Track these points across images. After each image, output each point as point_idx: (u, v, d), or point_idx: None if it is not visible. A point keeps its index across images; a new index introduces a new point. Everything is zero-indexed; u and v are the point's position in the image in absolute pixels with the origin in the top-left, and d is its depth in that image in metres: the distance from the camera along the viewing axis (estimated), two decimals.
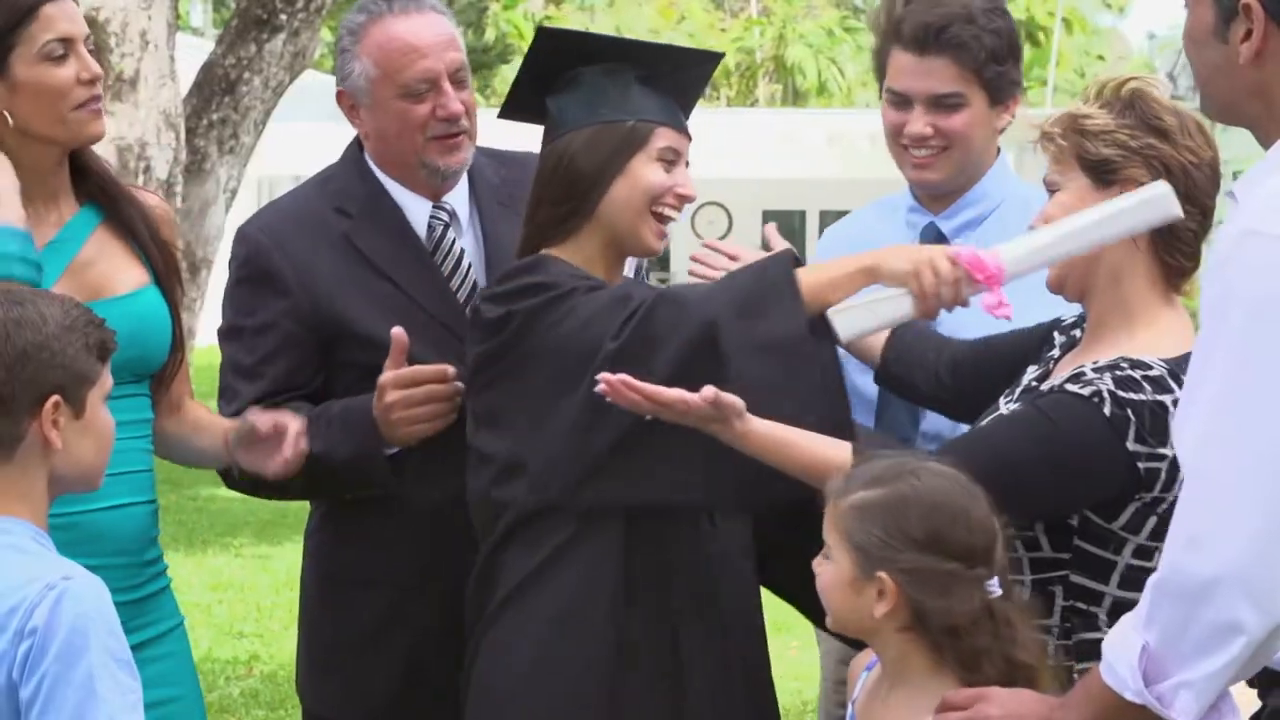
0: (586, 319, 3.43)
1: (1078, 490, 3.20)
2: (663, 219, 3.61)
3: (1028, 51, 65.52)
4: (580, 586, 3.47)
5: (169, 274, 3.71)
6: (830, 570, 3.07)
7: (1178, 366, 3.24)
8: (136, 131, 13.52)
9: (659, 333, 3.39)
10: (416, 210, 3.95)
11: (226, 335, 3.94)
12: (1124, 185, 3.32)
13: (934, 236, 4.03)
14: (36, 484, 2.97)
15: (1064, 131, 3.37)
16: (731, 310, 3.39)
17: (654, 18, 55.56)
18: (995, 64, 3.99)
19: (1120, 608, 3.24)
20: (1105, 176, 3.34)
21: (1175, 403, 3.18)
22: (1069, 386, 3.26)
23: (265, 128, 15.47)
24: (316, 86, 33.26)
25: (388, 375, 3.72)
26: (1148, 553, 3.26)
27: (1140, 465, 3.20)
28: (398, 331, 3.72)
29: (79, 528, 3.26)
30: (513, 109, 3.78)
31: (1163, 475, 3.22)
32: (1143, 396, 3.22)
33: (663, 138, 3.60)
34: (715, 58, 3.78)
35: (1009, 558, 3.09)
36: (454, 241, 3.95)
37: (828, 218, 14.33)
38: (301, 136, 30.47)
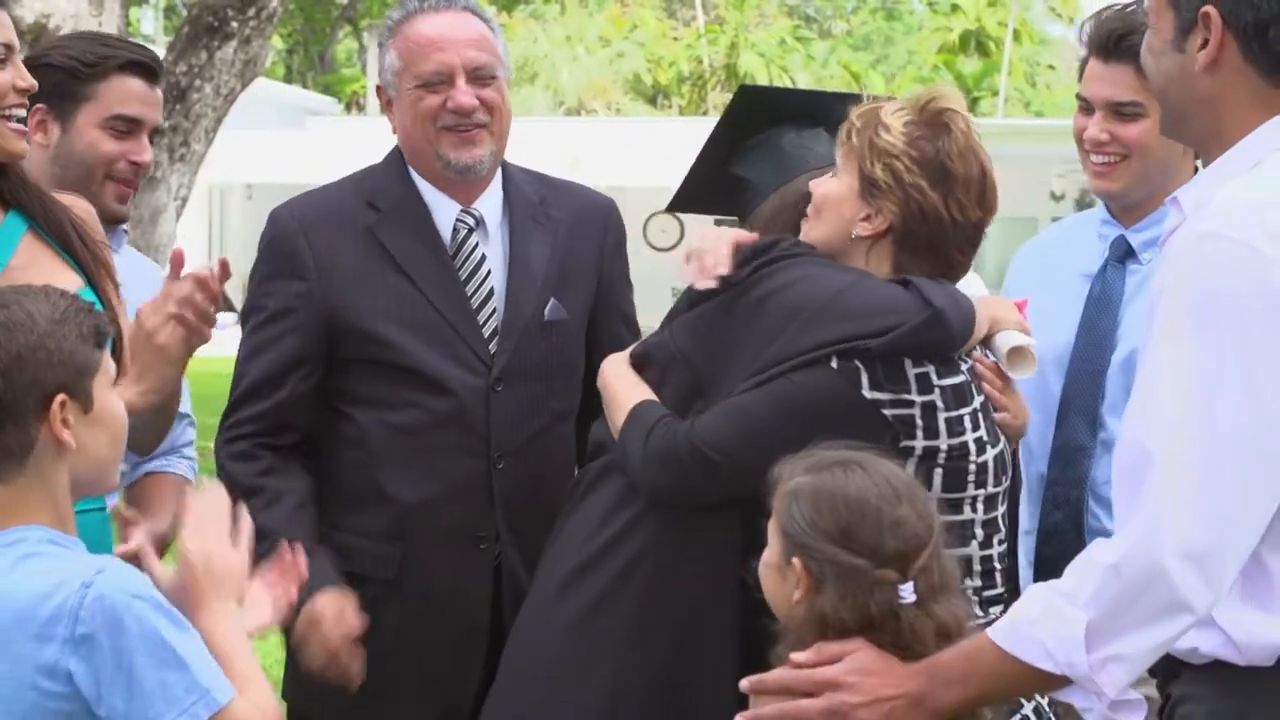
0: (808, 275, 3.48)
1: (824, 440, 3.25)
2: None
3: (978, 62, 65.51)
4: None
5: (100, 274, 3.68)
6: (766, 552, 3.10)
7: None
8: None
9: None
10: (444, 211, 4.03)
11: (244, 313, 4.06)
12: (877, 209, 3.43)
13: (1124, 249, 4.03)
14: (57, 489, 2.87)
15: (860, 130, 3.48)
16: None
17: (605, 26, 55.56)
18: None
19: None
20: (868, 193, 3.45)
21: None
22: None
23: (216, 135, 15.42)
24: (268, 94, 33.28)
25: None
26: (953, 505, 3.35)
27: (885, 412, 3.32)
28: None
29: None
30: (694, 195, 3.95)
31: (919, 421, 3.33)
32: (864, 350, 3.33)
33: None
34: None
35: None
36: (476, 246, 4.02)
37: None
38: (253, 144, 30.41)
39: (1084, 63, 4.07)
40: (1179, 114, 2.94)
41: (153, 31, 45.38)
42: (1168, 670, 2.92)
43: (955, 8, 61.22)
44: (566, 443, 4.12)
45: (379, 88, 4.09)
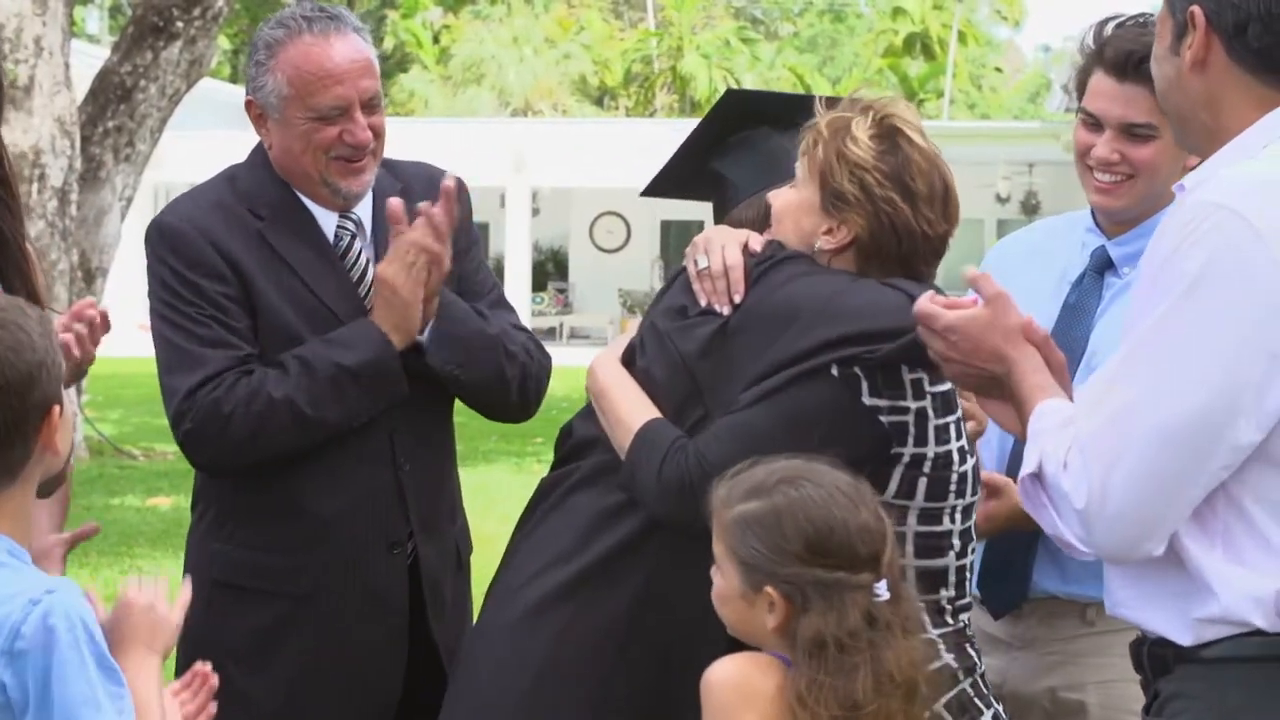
0: (800, 277, 3.43)
1: (826, 450, 3.23)
2: None
3: (923, 64, 65.56)
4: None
5: (31, 295, 3.60)
6: (721, 583, 3.07)
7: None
8: (31, 139, 13.41)
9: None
10: (325, 218, 3.97)
11: (171, 324, 3.89)
12: (841, 222, 3.41)
13: (1104, 261, 4.01)
14: (29, 493, 2.90)
15: (827, 141, 3.43)
16: None
17: (552, 27, 55.55)
18: None
19: (925, 576, 3.34)
20: (832, 206, 3.41)
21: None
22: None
23: (162, 136, 15.38)
24: (213, 94, 33.15)
25: None
26: (934, 516, 3.35)
27: (883, 419, 3.30)
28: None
29: None
30: (671, 184, 3.90)
31: (911, 429, 3.32)
32: (868, 357, 3.30)
33: None
34: None
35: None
36: (360, 251, 3.98)
37: None
38: (198, 144, 30.30)
39: (1083, 72, 4.03)
40: (1179, 117, 3.00)
41: (98, 31, 45.20)
42: (1157, 664, 2.93)
43: (899, 11, 61.43)
44: (453, 433, 4.11)
45: (250, 102, 3.96)
